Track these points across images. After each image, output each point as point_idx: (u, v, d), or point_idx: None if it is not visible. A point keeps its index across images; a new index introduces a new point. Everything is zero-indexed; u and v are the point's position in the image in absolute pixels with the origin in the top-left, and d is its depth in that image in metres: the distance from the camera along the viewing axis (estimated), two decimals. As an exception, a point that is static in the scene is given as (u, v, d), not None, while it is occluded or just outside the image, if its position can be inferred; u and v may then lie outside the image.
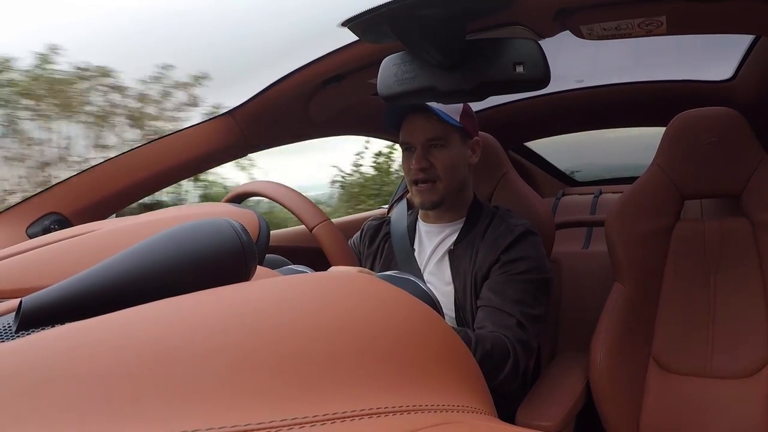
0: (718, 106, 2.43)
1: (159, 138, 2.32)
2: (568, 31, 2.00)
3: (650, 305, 2.42)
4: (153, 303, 0.62)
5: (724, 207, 2.94)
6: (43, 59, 6.18)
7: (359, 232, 2.59)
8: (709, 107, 2.43)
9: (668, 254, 2.46)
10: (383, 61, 1.74)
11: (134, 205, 2.40)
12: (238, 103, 2.43)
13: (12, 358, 0.53)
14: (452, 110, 2.22)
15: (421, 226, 2.40)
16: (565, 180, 4.57)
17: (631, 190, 2.50)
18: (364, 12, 1.52)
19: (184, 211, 1.37)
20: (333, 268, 1.58)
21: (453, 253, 2.23)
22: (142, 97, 6.58)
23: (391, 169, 9.11)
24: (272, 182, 1.78)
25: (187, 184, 7.02)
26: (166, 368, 0.52)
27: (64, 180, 2.16)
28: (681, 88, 3.27)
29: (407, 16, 1.48)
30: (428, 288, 1.08)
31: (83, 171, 2.20)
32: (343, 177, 9.21)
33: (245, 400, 0.52)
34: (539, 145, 4.35)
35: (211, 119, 2.40)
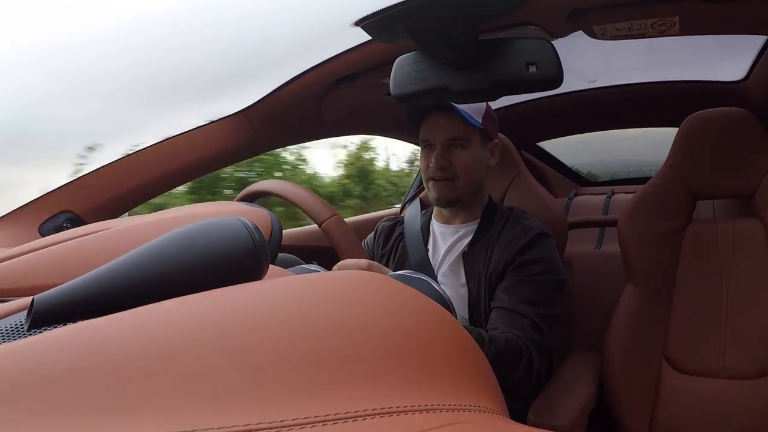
0: (731, 107, 2.42)
1: (171, 137, 2.32)
2: (581, 31, 2.00)
3: (663, 306, 2.41)
4: (165, 302, 0.62)
5: (737, 208, 2.93)
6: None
7: (373, 232, 2.58)
8: (721, 108, 2.43)
9: (680, 255, 2.46)
10: (396, 60, 1.74)
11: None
12: (251, 102, 2.43)
13: (24, 356, 0.53)
14: (475, 111, 2.22)
15: (435, 227, 2.39)
16: (578, 180, 4.56)
17: (644, 191, 2.50)
18: (378, 11, 1.52)
19: (197, 210, 1.37)
20: (343, 262, 1.58)
21: (467, 255, 2.23)
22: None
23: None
24: (281, 180, 1.79)
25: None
26: (178, 367, 0.52)
27: (77, 178, 2.16)
28: (694, 88, 3.26)
29: (420, 16, 1.48)
30: (441, 288, 1.08)
31: (96, 169, 2.20)
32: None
33: (257, 398, 0.52)
34: (556, 145, 4.35)
35: (223, 118, 2.40)
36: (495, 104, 2.40)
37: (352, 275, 0.80)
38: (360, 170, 8.52)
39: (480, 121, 2.21)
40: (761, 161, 2.35)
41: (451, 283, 2.23)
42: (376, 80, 2.37)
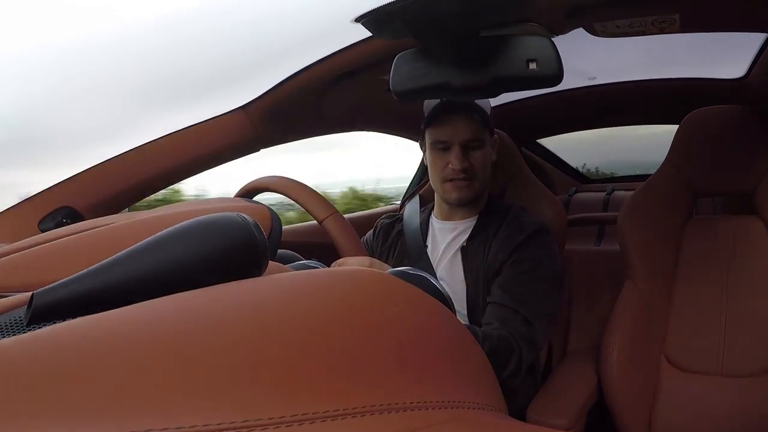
0: (731, 104, 2.42)
1: (171, 133, 2.32)
2: (581, 28, 2.00)
3: (662, 303, 2.41)
4: (165, 298, 0.62)
5: (737, 205, 2.93)
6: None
7: (372, 229, 2.59)
8: (722, 105, 2.43)
9: (680, 252, 2.46)
10: (396, 57, 1.74)
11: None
12: (251, 99, 2.43)
13: (23, 352, 0.53)
14: (486, 108, 2.24)
15: (435, 223, 2.40)
16: (578, 177, 4.57)
17: (644, 188, 2.50)
18: (378, 8, 1.51)
19: (196, 206, 1.37)
20: (344, 260, 1.58)
21: (466, 250, 2.23)
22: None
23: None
24: (281, 176, 1.79)
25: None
26: (178, 363, 0.52)
27: (77, 174, 2.16)
28: (694, 85, 3.26)
29: (421, 13, 1.48)
30: (440, 284, 1.08)
31: (96, 165, 2.20)
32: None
33: (258, 395, 0.52)
34: (558, 141, 4.35)
35: (223, 114, 2.40)
36: (495, 101, 2.41)
37: (351, 272, 0.80)
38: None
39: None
40: (761, 158, 2.35)
41: (450, 278, 2.24)
42: (377, 77, 2.37)
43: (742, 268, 2.36)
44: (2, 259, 1.04)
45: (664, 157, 2.54)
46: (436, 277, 1.68)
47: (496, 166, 2.49)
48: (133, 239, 0.73)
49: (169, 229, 0.72)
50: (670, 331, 2.39)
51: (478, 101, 2.20)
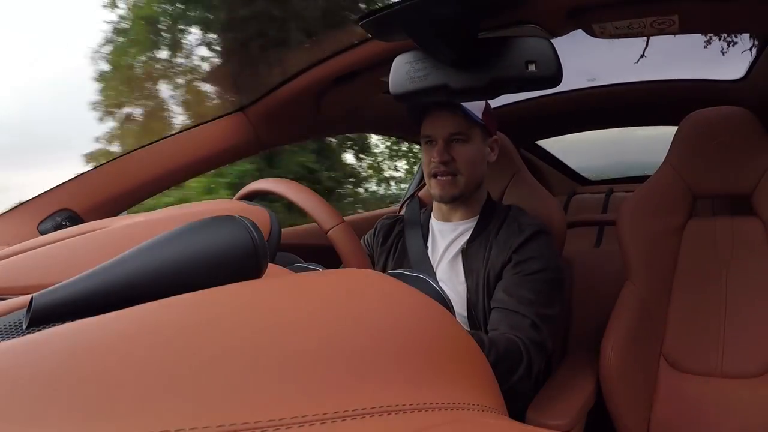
0: (730, 106, 2.43)
1: (171, 135, 2.33)
2: (580, 30, 2.01)
3: (661, 304, 2.41)
4: (164, 300, 0.62)
5: (736, 206, 2.93)
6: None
7: (372, 230, 2.59)
8: (721, 106, 2.43)
9: (679, 253, 2.46)
10: (395, 59, 1.74)
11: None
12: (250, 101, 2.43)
13: (23, 355, 0.53)
14: (476, 107, 2.23)
15: (435, 225, 2.40)
16: (577, 179, 4.58)
17: (643, 189, 2.50)
18: (377, 10, 1.52)
19: (196, 208, 1.37)
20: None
21: (466, 252, 2.23)
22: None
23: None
24: (286, 181, 1.78)
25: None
26: (177, 366, 0.52)
27: (76, 176, 2.17)
28: (693, 87, 3.27)
29: (420, 15, 1.48)
30: (440, 287, 1.08)
31: (95, 167, 2.21)
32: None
33: (257, 398, 0.52)
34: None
35: (223, 116, 2.41)
36: (494, 102, 2.41)
37: (351, 274, 0.80)
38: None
39: (480, 117, 2.22)
40: (760, 159, 2.35)
41: (450, 280, 2.23)
42: (376, 78, 2.37)
43: (740, 269, 2.36)
44: (2, 261, 1.05)
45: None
46: (436, 279, 1.67)
47: (495, 168, 2.49)
48: (132, 242, 0.73)
49: (168, 231, 0.72)
50: (669, 332, 2.39)
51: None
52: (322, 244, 1.70)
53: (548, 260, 2.14)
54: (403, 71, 1.73)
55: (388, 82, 1.76)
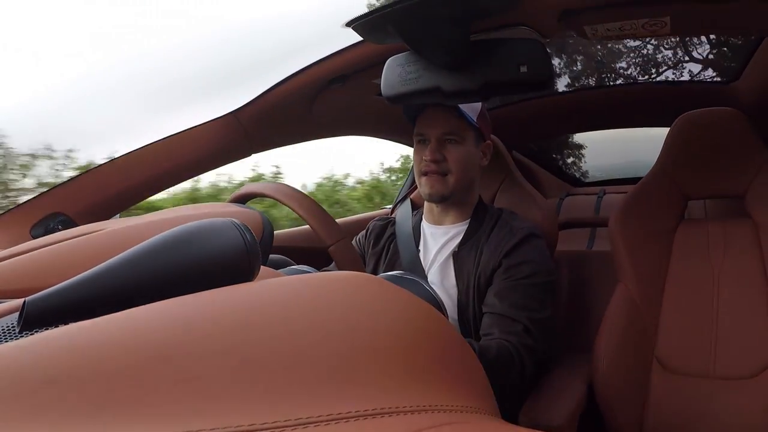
0: (722, 107, 2.43)
1: (163, 138, 2.32)
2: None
3: (653, 306, 2.41)
4: (157, 303, 0.62)
5: (728, 207, 2.93)
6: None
7: (364, 231, 2.59)
8: (713, 108, 2.43)
9: (672, 255, 2.46)
10: (387, 61, 1.75)
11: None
12: (242, 104, 2.43)
13: (15, 359, 0.53)
14: (471, 110, 2.23)
15: (426, 227, 2.40)
16: (569, 180, 4.57)
17: (635, 191, 2.50)
18: (369, 12, 1.52)
19: (189, 211, 1.37)
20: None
21: (457, 255, 2.23)
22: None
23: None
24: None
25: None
26: (171, 369, 0.52)
27: (68, 180, 2.17)
28: (685, 88, 3.27)
29: (412, 17, 1.48)
30: (432, 289, 1.08)
31: (87, 171, 2.20)
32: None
33: (250, 400, 0.52)
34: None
35: (214, 119, 2.41)
36: (486, 105, 2.41)
37: (343, 276, 0.80)
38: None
39: (475, 120, 2.21)
40: (752, 161, 2.36)
41: (441, 283, 2.23)
42: (368, 81, 2.37)
43: (732, 270, 2.37)
44: (-6, 265, 1.04)
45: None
46: (428, 282, 1.67)
47: (487, 170, 2.49)
48: (124, 245, 0.73)
49: (161, 234, 0.72)
50: (662, 334, 2.39)
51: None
52: (313, 246, 1.70)
53: (539, 264, 2.14)
54: (395, 73, 1.73)
55: (380, 85, 1.76)
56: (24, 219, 2.04)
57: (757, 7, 1.85)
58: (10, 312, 0.78)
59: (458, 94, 1.68)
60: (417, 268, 2.27)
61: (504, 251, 2.13)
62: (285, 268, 1.36)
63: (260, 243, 1.23)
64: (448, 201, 2.27)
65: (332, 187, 9.16)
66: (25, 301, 0.62)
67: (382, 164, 9.76)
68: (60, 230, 1.80)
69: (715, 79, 3.21)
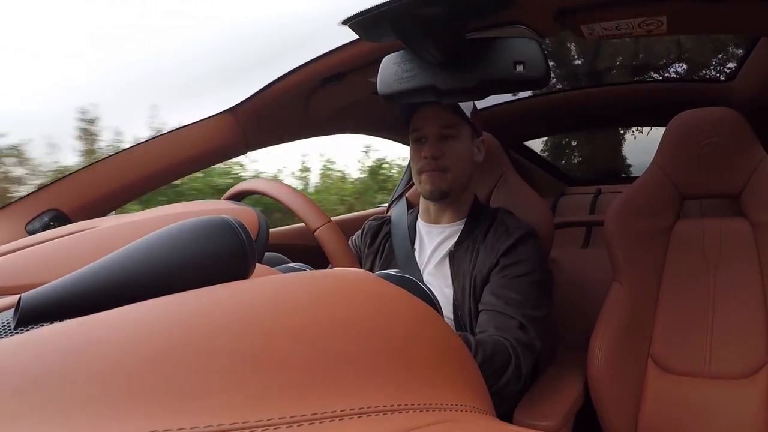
0: (718, 106, 2.43)
1: (159, 135, 2.32)
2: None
3: (649, 305, 2.42)
4: (152, 300, 0.62)
5: (724, 207, 2.94)
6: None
7: (360, 231, 2.58)
8: (709, 107, 2.43)
9: (667, 254, 2.47)
10: (383, 59, 1.74)
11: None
12: (239, 101, 2.43)
13: (10, 355, 0.53)
14: (463, 107, 2.23)
15: (422, 227, 2.40)
16: (565, 179, 4.58)
17: (631, 190, 2.50)
18: (365, 10, 1.52)
19: (183, 209, 1.37)
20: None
21: (453, 255, 2.23)
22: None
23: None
24: (274, 181, 1.78)
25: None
26: (166, 366, 0.52)
27: (64, 176, 2.16)
28: (681, 88, 3.27)
29: (408, 15, 1.48)
30: (428, 288, 1.08)
31: (83, 168, 2.20)
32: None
33: (245, 398, 0.52)
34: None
35: (211, 117, 2.41)
36: (482, 104, 2.41)
37: (339, 274, 0.80)
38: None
39: (469, 116, 2.22)
40: (748, 160, 2.36)
41: (437, 283, 2.23)
42: (364, 79, 2.37)
43: (728, 270, 2.37)
44: (-11, 261, 1.04)
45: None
46: (423, 280, 1.67)
47: (482, 169, 2.49)
48: (120, 242, 0.73)
49: (157, 231, 0.72)
50: (657, 333, 2.39)
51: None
52: (309, 244, 1.70)
53: (535, 263, 2.14)
54: (391, 72, 1.73)
55: (376, 83, 1.76)
56: (19, 215, 2.04)
57: (752, 7, 1.85)
58: (5, 308, 0.78)
59: (454, 92, 1.68)
60: (412, 268, 2.27)
61: (501, 250, 2.13)
62: (280, 266, 1.36)
63: (256, 240, 1.24)
64: (447, 198, 2.27)
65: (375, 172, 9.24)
66: (20, 298, 0.62)
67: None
68: (55, 227, 1.80)
69: (711, 78, 3.22)
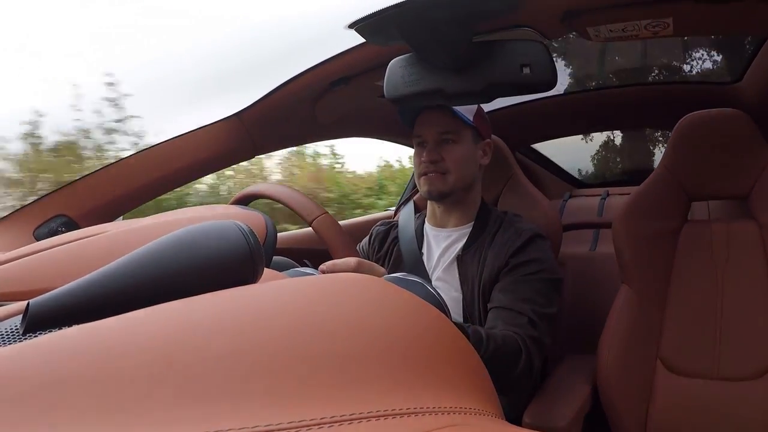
0: (725, 108, 2.42)
1: (166, 141, 2.33)
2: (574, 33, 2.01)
3: (657, 307, 2.41)
4: (161, 305, 0.62)
5: (732, 208, 2.93)
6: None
7: (368, 237, 2.59)
8: (716, 109, 2.43)
9: (675, 256, 2.46)
10: (390, 63, 1.74)
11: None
12: (246, 105, 2.43)
13: (19, 361, 0.53)
14: (467, 110, 2.24)
15: (429, 231, 2.40)
16: (573, 182, 4.57)
17: (639, 192, 2.50)
18: (372, 14, 1.52)
19: (192, 214, 1.37)
20: (332, 262, 1.57)
21: (461, 259, 2.23)
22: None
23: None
24: (271, 183, 1.80)
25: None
26: (173, 371, 0.52)
27: (72, 182, 2.17)
28: (688, 90, 3.26)
29: (415, 18, 1.48)
30: (436, 290, 1.08)
31: (91, 173, 2.21)
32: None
33: (256, 402, 0.52)
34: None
35: (217, 121, 2.41)
36: (489, 106, 2.41)
37: (347, 278, 0.80)
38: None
39: (471, 119, 2.22)
40: (756, 162, 2.35)
41: (446, 287, 2.23)
42: (371, 83, 2.37)
43: (736, 272, 2.36)
44: (-2, 267, 1.04)
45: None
46: (431, 283, 1.67)
47: (490, 171, 2.49)
48: (128, 247, 0.73)
49: (165, 237, 0.72)
50: (666, 335, 2.39)
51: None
52: (317, 248, 1.70)
53: (545, 262, 2.14)
54: (398, 75, 1.73)
55: (383, 86, 1.76)
56: (27, 221, 2.05)
57: (759, 8, 1.85)
58: (14, 314, 0.78)
59: (461, 95, 1.68)
60: (421, 272, 2.26)
61: (510, 251, 2.13)
62: (288, 270, 1.36)
63: (263, 245, 1.24)
64: (448, 199, 2.27)
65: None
66: (28, 303, 0.62)
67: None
68: (63, 232, 1.80)
69: (718, 80, 3.21)
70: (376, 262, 2.44)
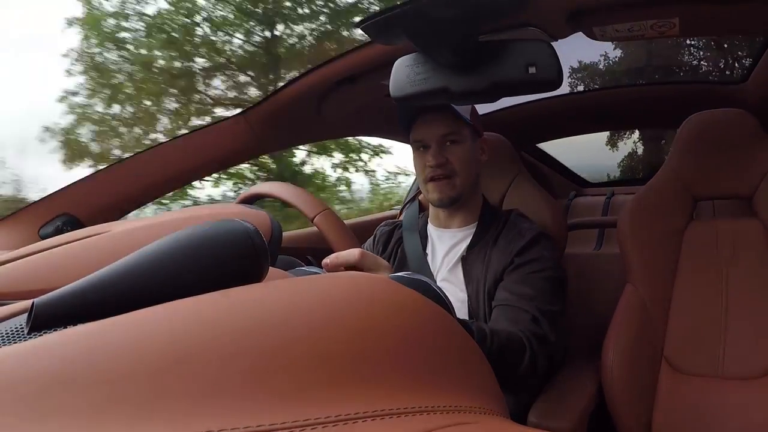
0: (731, 108, 2.42)
1: (171, 140, 2.33)
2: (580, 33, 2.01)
3: (662, 306, 2.41)
4: (166, 304, 0.62)
5: (737, 208, 2.93)
6: None
7: (372, 237, 2.58)
8: (721, 109, 2.43)
9: (680, 255, 2.46)
10: (396, 62, 1.74)
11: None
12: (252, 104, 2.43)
13: (25, 360, 0.53)
14: (463, 109, 2.22)
15: (432, 231, 2.39)
16: (578, 181, 4.57)
17: (644, 192, 2.50)
18: (378, 13, 1.52)
19: (197, 213, 1.37)
20: (334, 255, 1.57)
21: (466, 260, 2.23)
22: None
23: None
24: (274, 182, 1.80)
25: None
26: (178, 369, 0.52)
27: (77, 181, 2.17)
28: (694, 89, 3.27)
29: (421, 18, 1.48)
30: (440, 289, 1.08)
31: (96, 172, 2.21)
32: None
33: (263, 400, 0.52)
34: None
35: (223, 120, 2.41)
36: (494, 105, 2.41)
37: (352, 277, 0.80)
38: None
39: (468, 118, 2.22)
40: (761, 162, 2.35)
41: (451, 288, 2.22)
42: (376, 82, 2.37)
43: (741, 271, 2.36)
44: (3, 266, 1.05)
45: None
46: (435, 282, 1.67)
47: (496, 171, 2.49)
48: (133, 246, 0.73)
49: (171, 235, 0.72)
50: (671, 334, 2.39)
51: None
52: (322, 247, 1.70)
53: (549, 261, 2.14)
54: (404, 74, 1.72)
55: (388, 85, 1.76)
56: (32, 220, 2.05)
57: (765, 8, 1.85)
58: (19, 313, 0.78)
59: (466, 94, 1.67)
60: (425, 272, 2.25)
61: (515, 251, 2.13)
62: (293, 269, 1.36)
63: (269, 244, 1.24)
64: (458, 203, 2.27)
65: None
66: (33, 302, 0.62)
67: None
68: (68, 231, 1.80)
69: (723, 80, 3.21)
70: None
